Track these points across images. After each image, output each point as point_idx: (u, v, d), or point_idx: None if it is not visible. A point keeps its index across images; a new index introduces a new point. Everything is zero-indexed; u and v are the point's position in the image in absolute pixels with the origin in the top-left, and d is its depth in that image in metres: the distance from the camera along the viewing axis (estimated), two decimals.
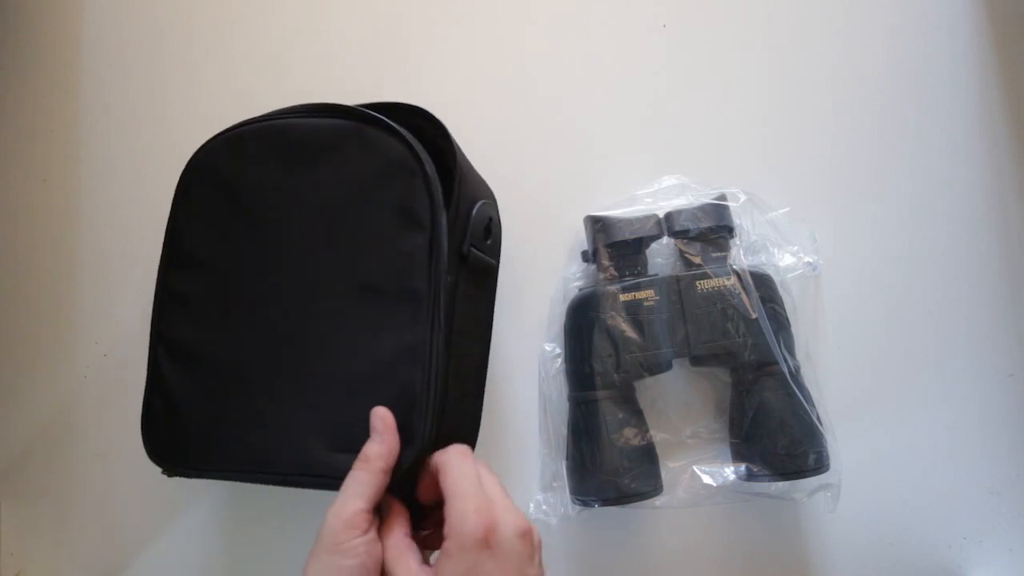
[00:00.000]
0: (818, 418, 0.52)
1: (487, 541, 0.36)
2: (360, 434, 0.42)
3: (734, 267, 0.54)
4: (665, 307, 0.53)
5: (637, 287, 0.53)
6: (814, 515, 0.56)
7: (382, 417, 0.42)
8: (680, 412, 0.57)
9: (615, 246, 0.55)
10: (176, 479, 0.49)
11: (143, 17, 0.65)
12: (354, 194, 0.46)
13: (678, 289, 0.53)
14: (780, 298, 0.54)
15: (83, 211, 0.64)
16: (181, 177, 0.51)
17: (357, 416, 0.42)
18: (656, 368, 0.53)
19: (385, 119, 0.46)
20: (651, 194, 0.58)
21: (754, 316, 0.52)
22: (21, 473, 0.63)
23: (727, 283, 0.53)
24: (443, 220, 0.44)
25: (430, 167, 0.45)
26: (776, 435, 0.51)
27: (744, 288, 0.53)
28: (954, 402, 0.57)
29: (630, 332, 0.53)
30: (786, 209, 0.57)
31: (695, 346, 0.53)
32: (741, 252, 0.55)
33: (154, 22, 0.65)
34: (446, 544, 0.37)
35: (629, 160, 0.61)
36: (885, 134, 0.60)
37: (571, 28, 0.63)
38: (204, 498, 0.61)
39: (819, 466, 0.51)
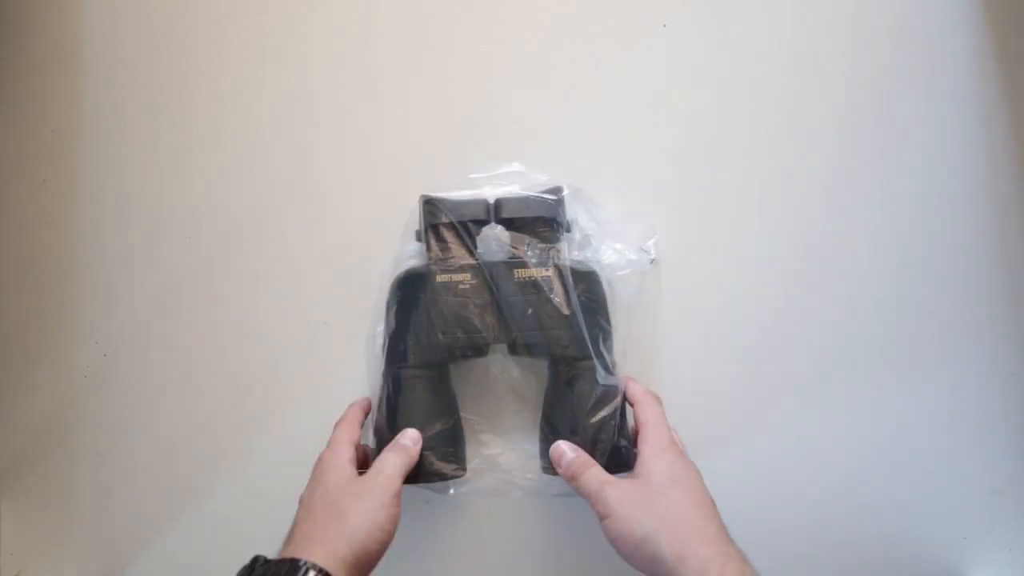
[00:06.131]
0: (620, 414, 0.52)
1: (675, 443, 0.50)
2: None
3: (556, 261, 0.53)
4: (480, 292, 0.53)
5: (453, 269, 0.53)
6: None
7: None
8: (495, 400, 0.57)
9: (440, 227, 0.54)
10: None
11: (143, 17, 0.65)
12: None
13: (495, 276, 0.53)
14: (602, 295, 0.54)
15: (83, 211, 0.64)
16: None
17: None
18: (468, 351, 0.53)
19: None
20: (488, 179, 0.58)
21: (566, 312, 0.52)
22: (21, 473, 0.63)
23: (544, 274, 0.53)
24: None
25: None
26: (578, 431, 0.51)
27: (563, 282, 0.52)
28: (954, 402, 0.57)
29: (445, 313, 0.53)
30: (621, 207, 0.58)
31: (511, 334, 0.52)
32: (567, 246, 0.54)
33: (154, 22, 0.65)
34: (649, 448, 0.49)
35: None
36: (886, 137, 0.60)
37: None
38: (204, 498, 0.61)
39: (610, 466, 0.50)
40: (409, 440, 0.51)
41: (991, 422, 0.57)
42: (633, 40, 0.61)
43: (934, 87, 0.60)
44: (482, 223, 0.55)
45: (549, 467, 0.52)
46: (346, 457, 0.50)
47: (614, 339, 0.54)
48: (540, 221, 0.54)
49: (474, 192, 0.57)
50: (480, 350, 0.53)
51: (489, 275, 0.53)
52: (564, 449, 0.51)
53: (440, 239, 0.55)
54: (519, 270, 0.53)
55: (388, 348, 0.55)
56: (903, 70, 0.60)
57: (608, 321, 0.54)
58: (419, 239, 0.57)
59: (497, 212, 0.55)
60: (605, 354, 0.52)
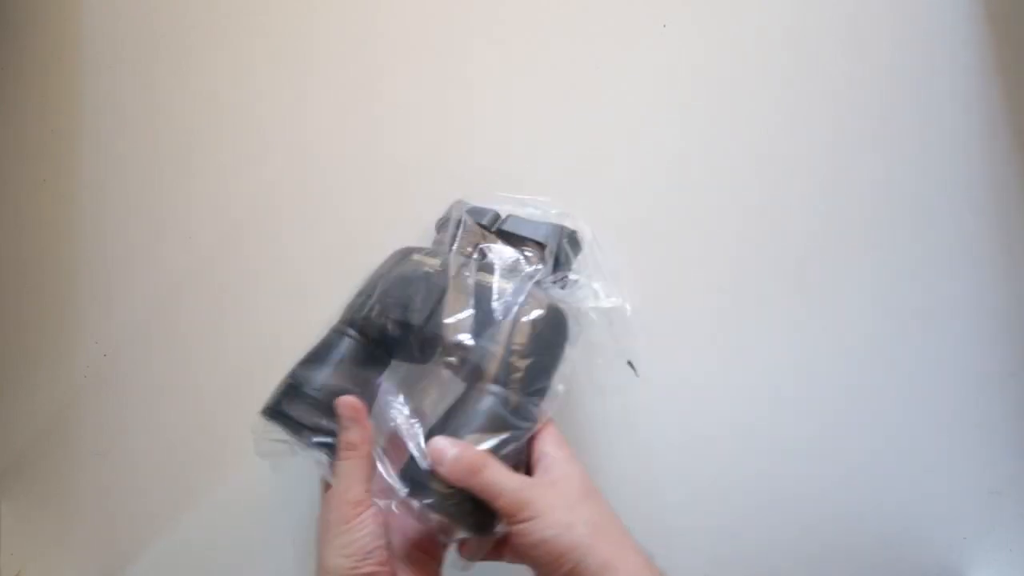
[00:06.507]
0: (511, 454, 0.44)
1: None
2: None
3: (524, 281, 0.50)
4: (439, 280, 0.50)
5: (428, 253, 0.52)
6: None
7: (352, 405, 0.46)
8: (420, 389, 0.52)
9: (450, 222, 0.54)
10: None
11: (143, 17, 0.65)
12: None
13: (457, 270, 0.51)
14: (554, 332, 0.49)
15: (83, 211, 0.64)
16: None
17: None
18: (397, 328, 0.49)
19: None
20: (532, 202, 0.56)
21: (503, 330, 0.47)
22: (21, 473, 0.63)
23: (502, 285, 0.50)
24: None
25: None
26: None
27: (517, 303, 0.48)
28: (954, 402, 0.57)
29: (393, 282, 0.51)
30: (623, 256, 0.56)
31: (440, 323, 0.49)
32: (548, 276, 0.51)
33: (154, 22, 0.65)
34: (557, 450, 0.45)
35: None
36: (885, 136, 0.60)
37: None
38: (203, 497, 0.61)
39: (433, 509, 0.43)
40: (351, 431, 0.45)
41: (991, 422, 0.57)
42: (633, 40, 0.61)
43: (934, 87, 0.60)
44: (484, 228, 0.55)
45: (414, 487, 0.44)
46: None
47: (555, 389, 0.49)
48: (533, 243, 0.53)
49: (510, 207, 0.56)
50: (407, 329, 0.49)
51: (452, 266, 0.51)
52: (444, 445, 0.42)
53: (444, 230, 0.55)
54: (482, 273, 0.51)
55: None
56: (903, 70, 0.60)
57: (550, 358, 0.49)
58: (437, 230, 0.57)
59: (500, 224, 0.54)
60: (519, 385, 0.46)
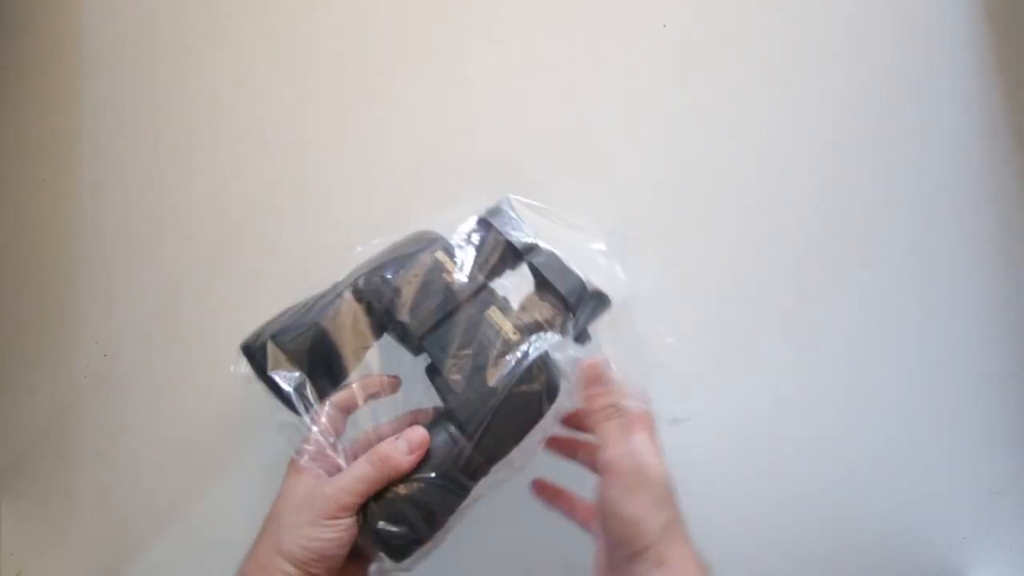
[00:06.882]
0: (428, 503, 0.44)
1: None
2: None
3: (534, 339, 0.46)
4: (449, 288, 0.48)
5: (452, 254, 0.49)
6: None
7: (421, 436, 0.45)
8: (406, 382, 0.51)
9: (488, 222, 0.51)
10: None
11: (143, 17, 0.65)
12: None
13: (473, 292, 0.48)
14: (539, 408, 0.46)
15: (83, 211, 0.64)
16: None
17: None
18: (385, 317, 0.48)
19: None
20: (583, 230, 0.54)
21: (490, 383, 0.45)
22: (21, 473, 0.63)
23: (511, 336, 0.46)
24: None
25: None
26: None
27: (518, 361, 0.45)
28: (954, 402, 0.57)
29: (403, 274, 0.48)
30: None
31: (441, 347, 0.47)
32: (562, 342, 0.47)
33: (154, 22, 0.65)
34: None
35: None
36: (885, 136, 0.60)
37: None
38: (203, 497, 0.61)
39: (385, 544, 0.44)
40: (392, 448, 0.44)
41: (991, 422, 0.57)
42: (633, 40, 0.61)
43: (934, 87, 0.60)
44: (515, 252, 0.51)
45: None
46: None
47: (511, 461, 0.47)
48: (557, 296, 0.49)
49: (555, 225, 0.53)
50: (404, 331, 0.47)
51: (471, 288, 0.48)
52: (599, 362, 0.45)
53: (481, 229, 0.51)
54: (496, 309, 0.48)
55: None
56: (903, 70, 0.60)
57: (521, 433, 0.46)
58: (478, 221, 0.53)
59: (533, 255, 0.50)
60: (483, 453, 0.45)
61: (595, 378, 0.46)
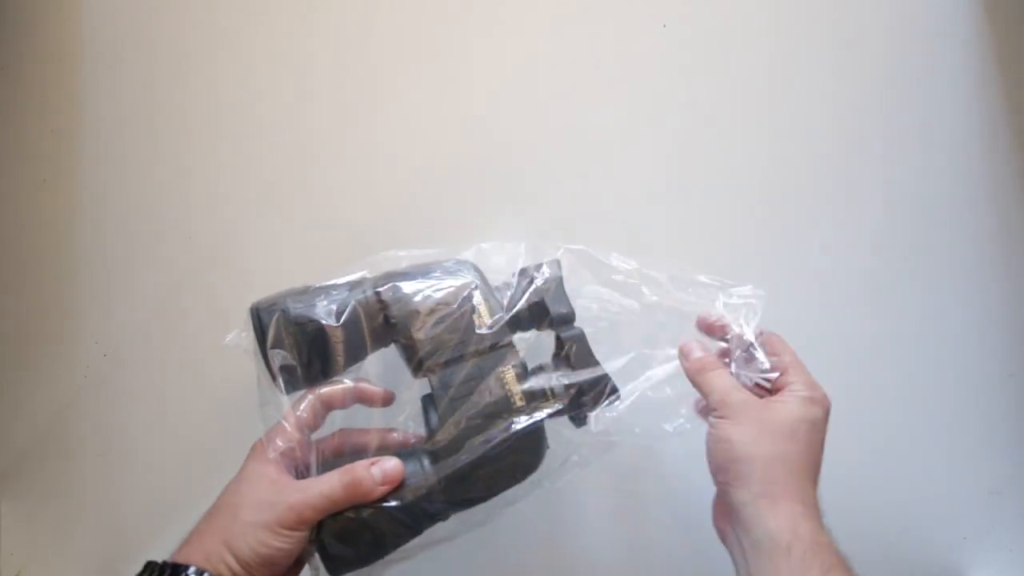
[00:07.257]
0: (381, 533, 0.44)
1: None
2: None
3: (534, 411, 0.46)
4: (467, 328, 0.47)
5: (487, 296, 0.48)
6: None
7: (397, 470, 0.45)
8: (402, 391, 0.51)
9: (530, 268, 0.51)
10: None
11: (143, 17, 0.65)
12: None
13: (490, 347, 0.47)
14: (523, 473, 0.47)
15: (83, 211, 0.64)
16: None
17: None
18: (388, 333, 0.48)
19: None
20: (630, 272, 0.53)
21: (482, 437, 0.45)
22: (21, 473, 0.63)
23: (518, 403, 0.46)
24: None
25: None
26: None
27: (512, 425, 0.45)
28: (954, 402, 0.57)
29: (442, 299, 0.47)
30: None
31: (445, 383, 0.46)
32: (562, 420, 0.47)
33: (154, 22, 0.65)
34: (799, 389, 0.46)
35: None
36: (885, 136, 0.60)
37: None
38: (203, 497, 0.61)
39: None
40: (366, 474, 0.44)
41: (991, 422, 0.57)
42: (633, 40, 0.61)
43: (934, 87, 0.60)
44: (548, 318, 0.49)
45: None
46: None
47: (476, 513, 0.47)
48: (573, 379, 0.48)
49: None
50: (415, 357, 0.47)
51: (494, 339, 0.47)
52: (694, 346, 0.48)
53: (522, 279, 0.51)
54: (511, 369, 0.47)
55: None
56: (903, 70, 0.60)
57: (498, 490, 0.46)
58: (519, 273, 0.51)
59: (564, 330, 0.49)
60: (451, 498, 0.45)
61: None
